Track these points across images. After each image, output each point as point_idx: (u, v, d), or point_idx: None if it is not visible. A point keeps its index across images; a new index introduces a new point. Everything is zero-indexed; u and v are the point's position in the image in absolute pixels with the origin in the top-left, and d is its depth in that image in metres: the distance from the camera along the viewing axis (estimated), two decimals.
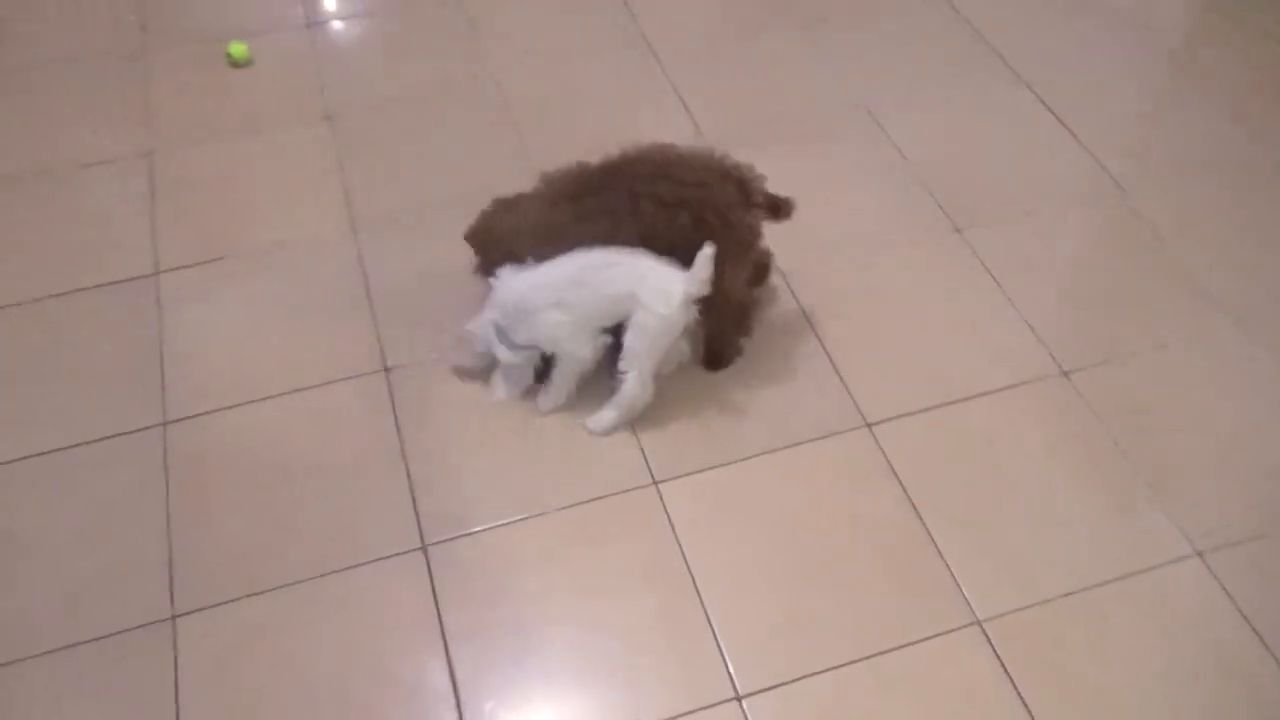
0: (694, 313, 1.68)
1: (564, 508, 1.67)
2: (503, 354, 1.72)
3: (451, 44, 2.46)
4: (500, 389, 1.78)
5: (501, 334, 1.72)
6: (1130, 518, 1.66)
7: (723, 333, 1.81)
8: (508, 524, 1.66)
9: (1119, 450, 1.73)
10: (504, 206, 1.81)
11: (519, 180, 2.08)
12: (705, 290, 1.63)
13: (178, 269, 2.00)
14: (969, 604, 1.56)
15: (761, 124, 2.26)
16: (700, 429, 1.76)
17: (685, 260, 1.63)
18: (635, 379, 1.69)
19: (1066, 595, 1.57)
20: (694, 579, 1.59)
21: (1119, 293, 1.96)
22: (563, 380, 1.75)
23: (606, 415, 1.75)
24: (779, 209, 1.73)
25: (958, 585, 1.58)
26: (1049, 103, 2.30)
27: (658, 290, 1.64)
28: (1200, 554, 1.62)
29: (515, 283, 1.70)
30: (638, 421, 1.77)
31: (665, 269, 1.66)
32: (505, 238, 1.75)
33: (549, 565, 1.61)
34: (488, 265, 1.78)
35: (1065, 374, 1.84)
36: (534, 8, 2.55)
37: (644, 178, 1.68)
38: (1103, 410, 1.78)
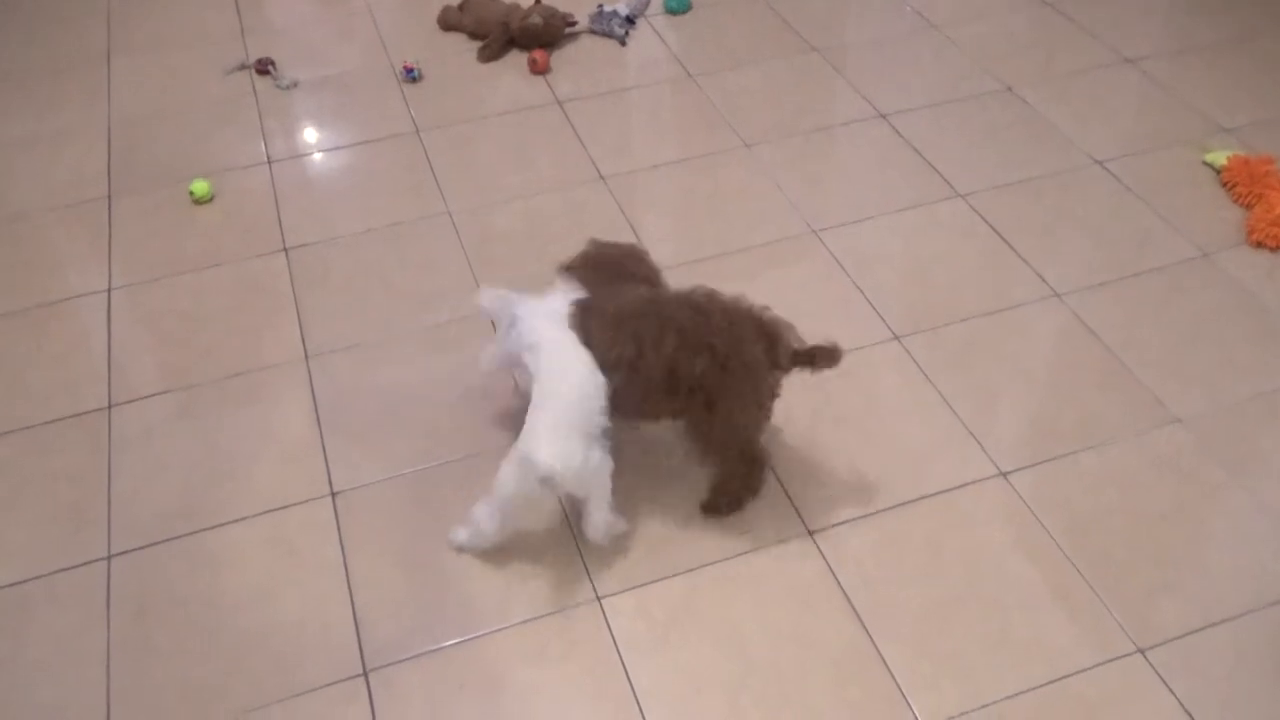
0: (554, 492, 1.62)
1: (505, 628, 1.67)
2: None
3: (409, 180, 2.55)
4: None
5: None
6: (1071, 615, 1.66)
7: (728, 483, 1.79)
8: (449, 646, 1.65)
9: (1059, 549, 1.74)
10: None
11: (473, 320, 2.15)
12: (557, 483, 1.58)
13: (131, 401, 2.03)
14: (914, 712, 1.55)
15: (707, 246, 2.33)
16: (644, 541, 1.77)
17: (705, 402, 1.66)
18: (485, 511, 1.70)
19: (1011, 696, 1.56)
20: (637, 699, 1.58)
21: (1057, 394, 2.00)
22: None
23: (460, 534, 1.76)
24: (816, 359, 1.68)
25: (904, 697, 1.57)
26: (984, 214, 2.38)
27: (531, 446, 1.59)
28: (1142, 651, 1.61)
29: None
30: (580, 533, 1.78)
31: (556, 429, 1.61)
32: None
33: (492, 688, 1.60)
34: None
35: (1004, 475, 1.86)
36: (490, 145, 2.65)
37: (677, 313, 1.66)
38: (1041, 510, 1.80)
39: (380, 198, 2.50)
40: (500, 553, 1.77)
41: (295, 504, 1.85)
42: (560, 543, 1.78)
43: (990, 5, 3.08)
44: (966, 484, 1.85)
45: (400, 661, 1.63)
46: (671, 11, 3.09)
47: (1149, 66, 2.82)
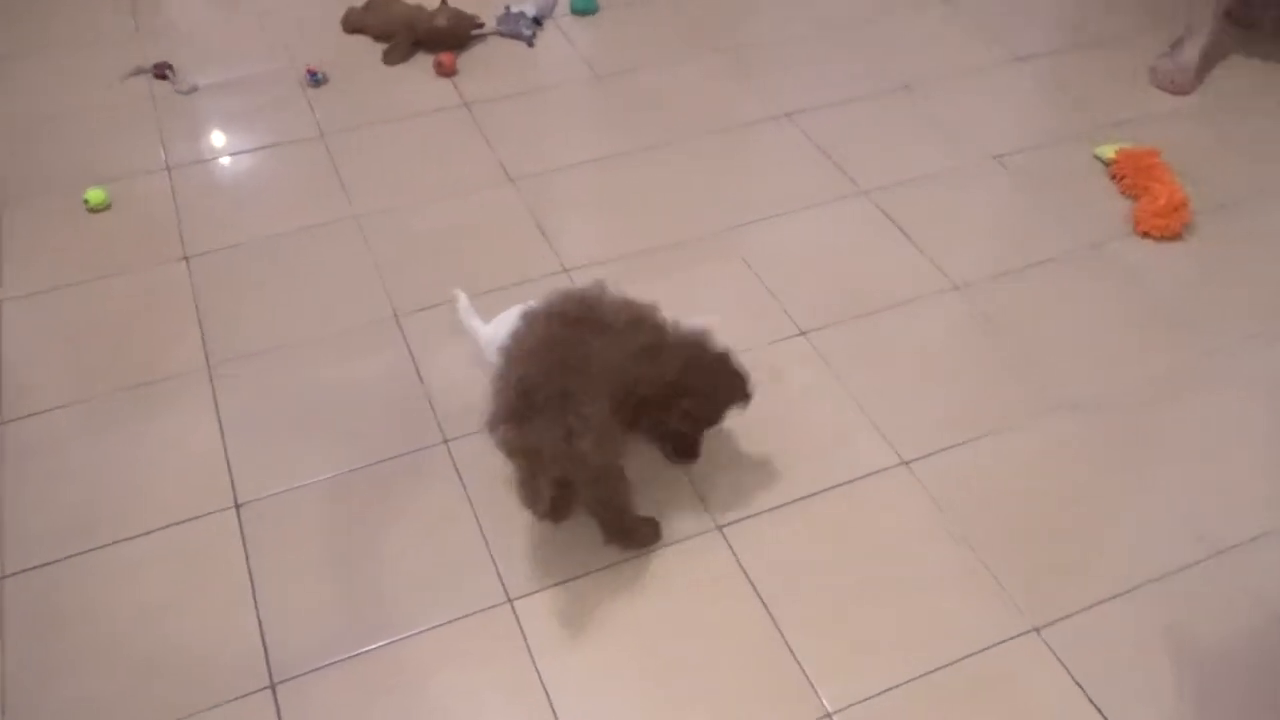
0: None
1: (416, 633, 1.66)
2: None
3: (314, 185, 2.52)
4: None
5: None
6: (971, 597, 1.71)
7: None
8: (358, 655, 1.64)
9: (959, 534, 1.79)
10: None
11: (381, 325, 2.13)
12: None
13: (26, 417, 1.98)
14: (820, 699, 1.58)
15: (617, 245, 2.35)
16: (553, 541, 1.78)
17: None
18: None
19: (914, 679, 1.61)
20: (550, 700, 1.59)
21: (958, 383, 2.05)
22: None
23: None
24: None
25: (811, 685, 1.60)
26: (886, 210, 2.43)
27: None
28: (1037, 629, 1.67)
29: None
30: (490, 535, 1.78)
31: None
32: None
33: (403, 695, 1.59)
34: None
35: (906, 464, 1.91)
36: (397, 149, 2.63)
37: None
38: (942, 496, 1.85)
39: (284, 203, 2.47)
40: (411, 557, 1.76)
41: (199, 516, 1.82)
42: (471, 545, 1.78)
43: (890, 5, 3.15)
44: (870, 474, 1.89)
45: (311, 672, 1.62)
46: (578, 13, 3.09)
47: (1041, 64, 2.91)
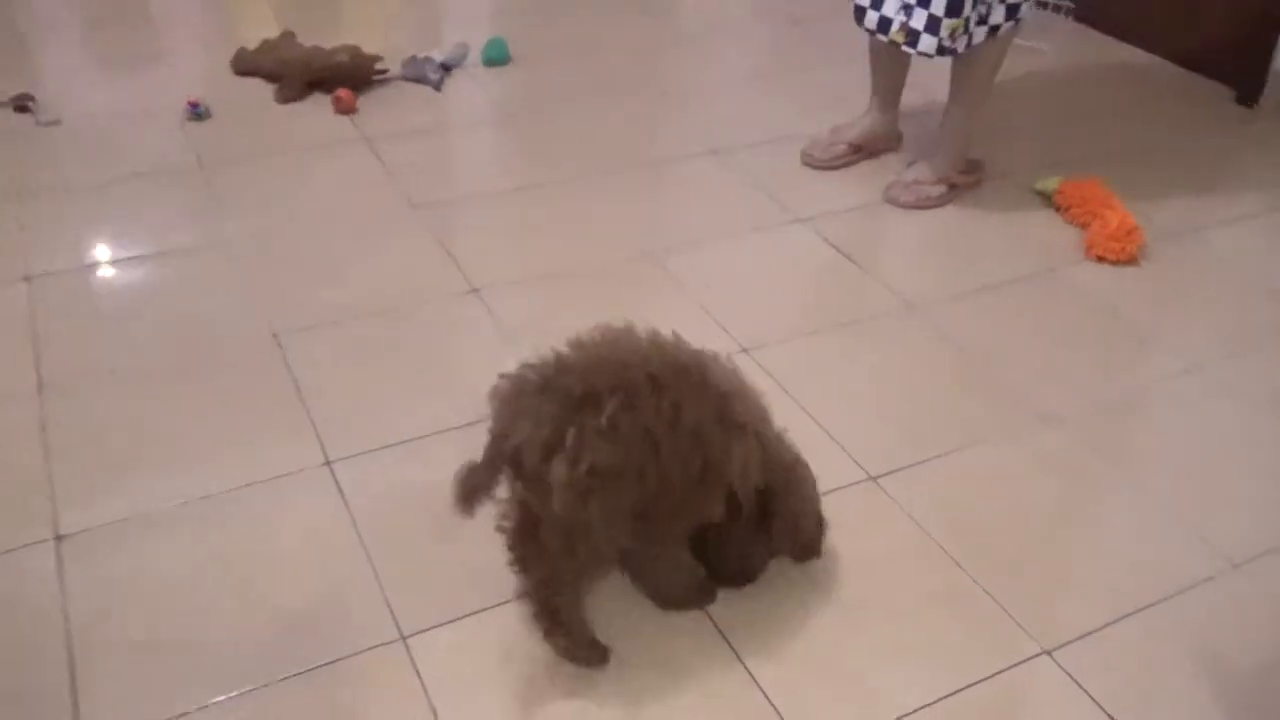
0: None
1: (291, 676, 1.30)
2: None
3: (185, 212, 2.23)
4: None
5: None
6: (967, 619, 1.43)
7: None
8: (225, 699, 1.27)
9: (944, 552, 1.52)
10: None
11: (258, 342, 1.82)
12: None
13: None
14: None
15: (537, 268, 2.09)
16: (454, 573, 1.45)
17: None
18: None
19: (912, 712, 1.30)
20: None
21: (919, 400, 1.82)
22: None
23: None
24: None
25: (776, 711, 1.29)
26: (826, 236, 2.24)
27: None
28: (1049, 652, 1.39)
29: None
30: (377, 558, 1.45)
31: None
32: None
33: None
34: None
35: (874, 479, 1.64)
36: (284, 178, 2.37)
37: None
38: (919, 512, 1.58)
39: (149, 228, 2.16)
40: (280, 597, 1.41)
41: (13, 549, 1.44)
42: (358, 576, 1.44)
43: (818, 59, 3.06)
44: (836, 489, 1.62)
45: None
46: (490, 64, 2.92)
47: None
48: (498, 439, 1.18)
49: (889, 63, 2.43)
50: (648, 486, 1.19)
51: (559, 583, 1.28)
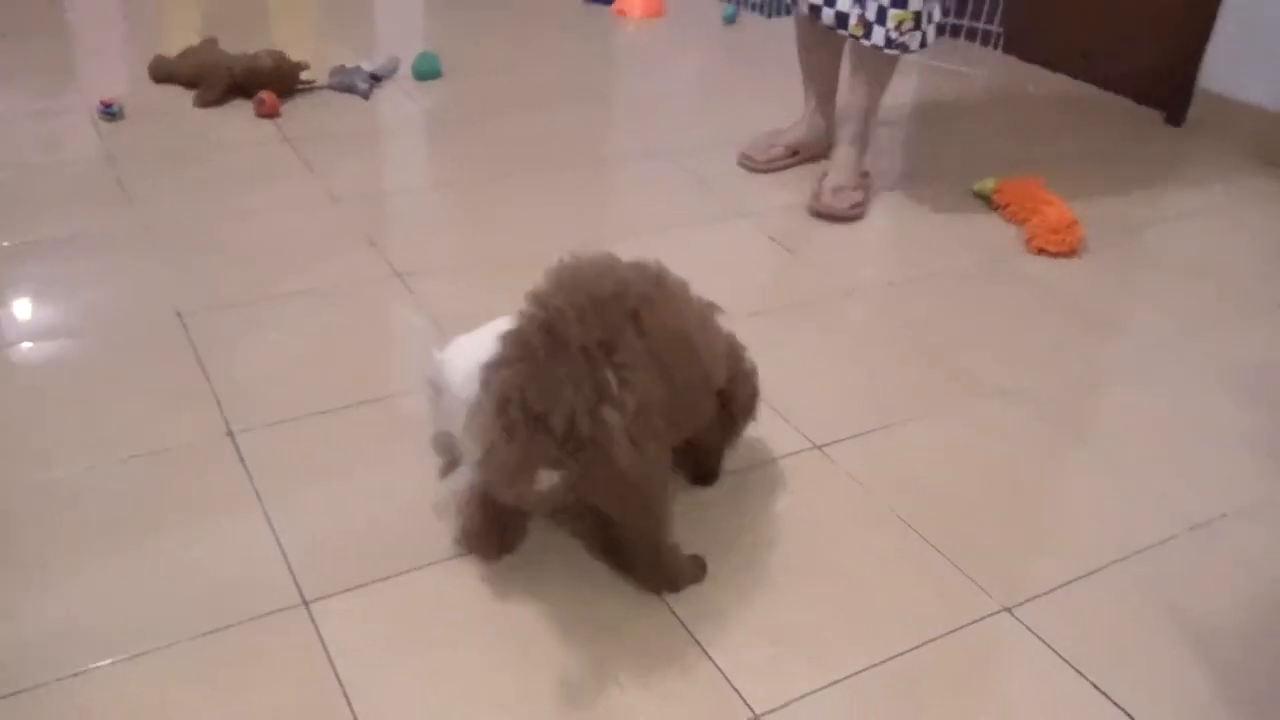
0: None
1: (188, 639, 1.16)
2: None
3: (97, 197, 2.10)
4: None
5: None
6: (925, 580, 1.33)
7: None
8: (114, 663, 1.12)
9: (897, 517, 1.43)
10: None
11: (167, 327, 1.70)
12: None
13: None
14: (744, 700, 1.14)
15: (472, 257, 2.00)
16: (359, 541, 1.32)
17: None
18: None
19: (870, 668, 1.19)
20: (354, 713, 1.10)
21: (865, 373, 1.75)
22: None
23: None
24: None
25: (730, 685, 1.16)
26: (769, 232, 2.18)
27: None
28: (1009, 609, 1.29)
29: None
30: (281, 530, 1.31)
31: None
32: None
33: (172, 713, 1.07)
34: None
35: (819, 447, 1.55)
36: (202, 173, 2.26)
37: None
38: (869, 479, 1.49)
39: (57, 211, 2.03)
40: (174, 552, 1.27)
41: None
42: (259, 543, 1.30)
43: (754, 69, 3.05)
44: (783, 456, 1.52)
45: (54, 681, 1.09)
46: (421, 77, 2.86)
47: (906, 125, 2.83)
48: (538, 418, 1.06)
49: (820, 66, 2.41)
50: (667, 408, 1.14)
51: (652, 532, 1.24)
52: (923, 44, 2.13)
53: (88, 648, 1.14)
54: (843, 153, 2.29)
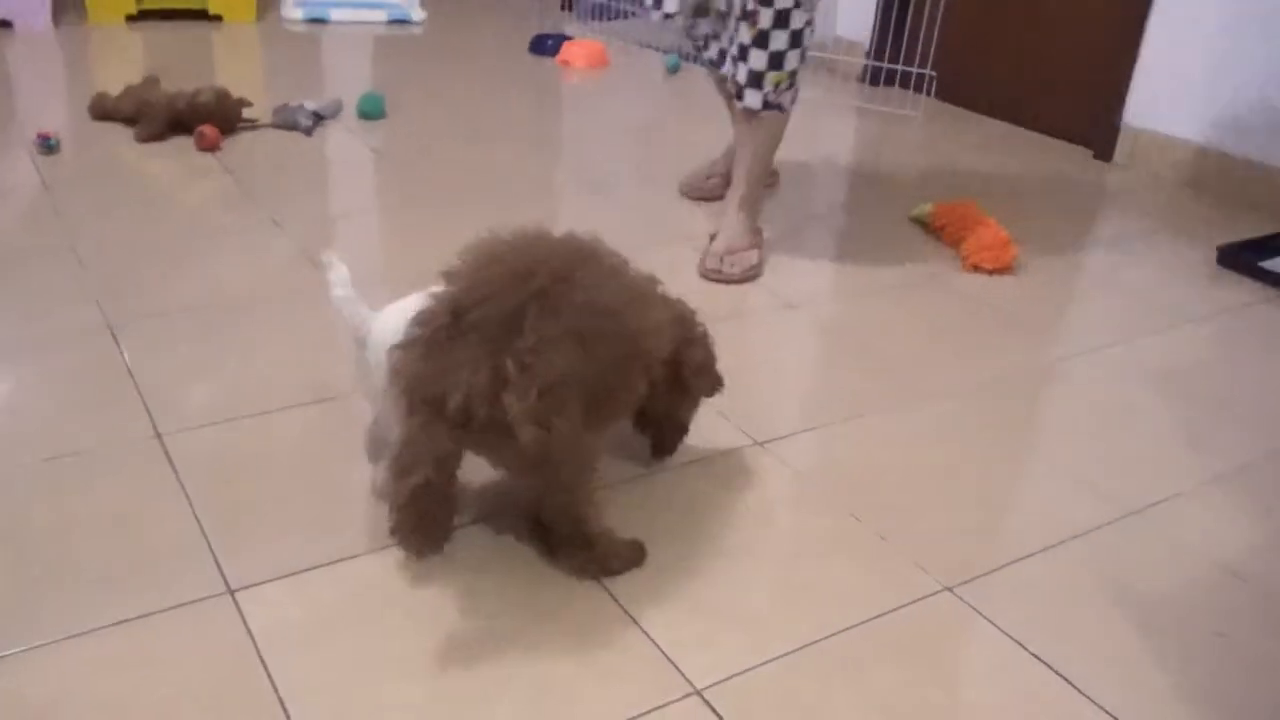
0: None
1: (108, 625, 1.11)
2: None
3: (28, 223, 2.07)
4: None
5: None
6: (862, 562, 1.32)
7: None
8: (27, 650, 1.07)
9: (833, 503, 1.42)
10: None
11: (92, 333, 1.66)
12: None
13: None
14: (683, 675, 1.12)
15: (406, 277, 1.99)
16: (284, 532, 1.28)
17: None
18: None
19: (806, 646, 1.17)
20: (285, 708, 1.05)
21: (801, 378, 1.75)
22: None
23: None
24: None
25: (669, 658, 1.14)
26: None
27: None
28: (950, 589, 1.29)
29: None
30: (205, 519, 1.28)
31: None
32: None
33: (97, 699, 1.02)
34: None
35: (760, 444, 1.55)
36: (138, 201, 2.24)
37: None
38: (809, 474, 1.49)
39: None
40: (97, 539, 1.22)
41: None
42: (184, 535, 1.26)
43: (694, 110, 3.11)
44: (719, 453, 1.52)
45: None
46: (365, 116, 2.88)
47: (845, 160, 2.90)
48: (434, 402, 1.06)
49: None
50: (588, 384, 1.12)
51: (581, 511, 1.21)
52: (793, 101, 2.09)
53: (4, 635, 1.10)
54: (732, 217, 2.16)
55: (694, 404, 1.44)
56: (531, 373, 1.06)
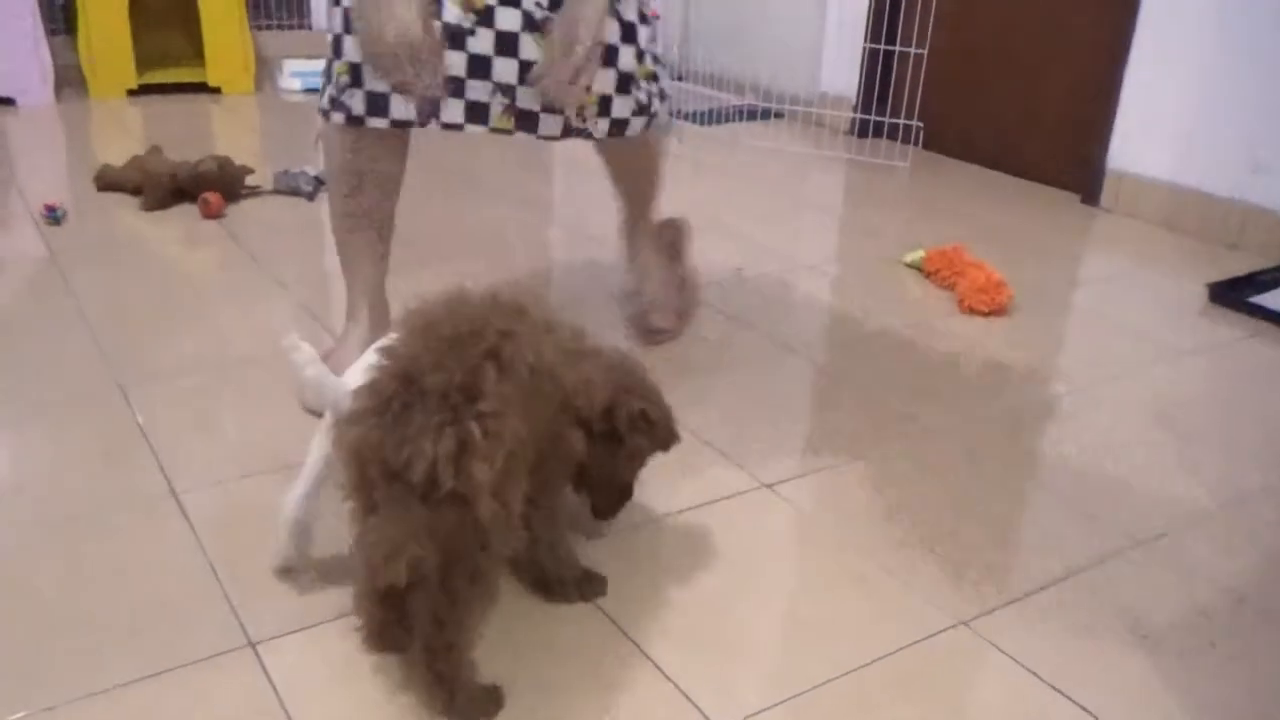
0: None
1: (129, 682, 1.12)
2: None
3: (34, 290, 2.10)
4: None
5: None
6: (870, 599, 1.33)
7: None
8: (47, 710, 1.07)
9: (841, 543, 1.44)
10: None
11: (102, 394, 1.69)
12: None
13: None
14: (701, 712, 1.13)
15: None
16: (303, 586, 1.30)
17: None
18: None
19: (820, 685, 1.18)
20: None
21: (801, 420, 1.78)
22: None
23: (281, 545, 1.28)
24: None
25: (686, 696, 1.15)
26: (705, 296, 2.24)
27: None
28: (966, 623, 1.30)
29: None
30: (223, 574, 1.29)
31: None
32: None
33: None
34: None
35: (769, 486, 1.57)
36: (144, 267, 2.28)
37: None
38: (816, 515, 1.51)
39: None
40: (116, 593, 1.23)
41: None
42: (204, 591, 1.27)
43: (690, 174, 3.17)
44: (728, 496, 1.54)
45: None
46: None
47: (836, 211, 2.95)
48: (391, 475, 0.99)
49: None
50: (531, 448, 1.08)
51: (453, 633, 1.07)
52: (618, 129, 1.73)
53: (36, 689, 1.10)
54: (655, 268, 2.03)
55: (636, 461, 1.32)
56: (498, 439, 1.00)
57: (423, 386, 1.00)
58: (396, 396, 1.00)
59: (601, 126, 1.70)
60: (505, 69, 1.59)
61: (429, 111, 1.61)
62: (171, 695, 1.12)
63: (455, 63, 1.57)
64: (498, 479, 1.00)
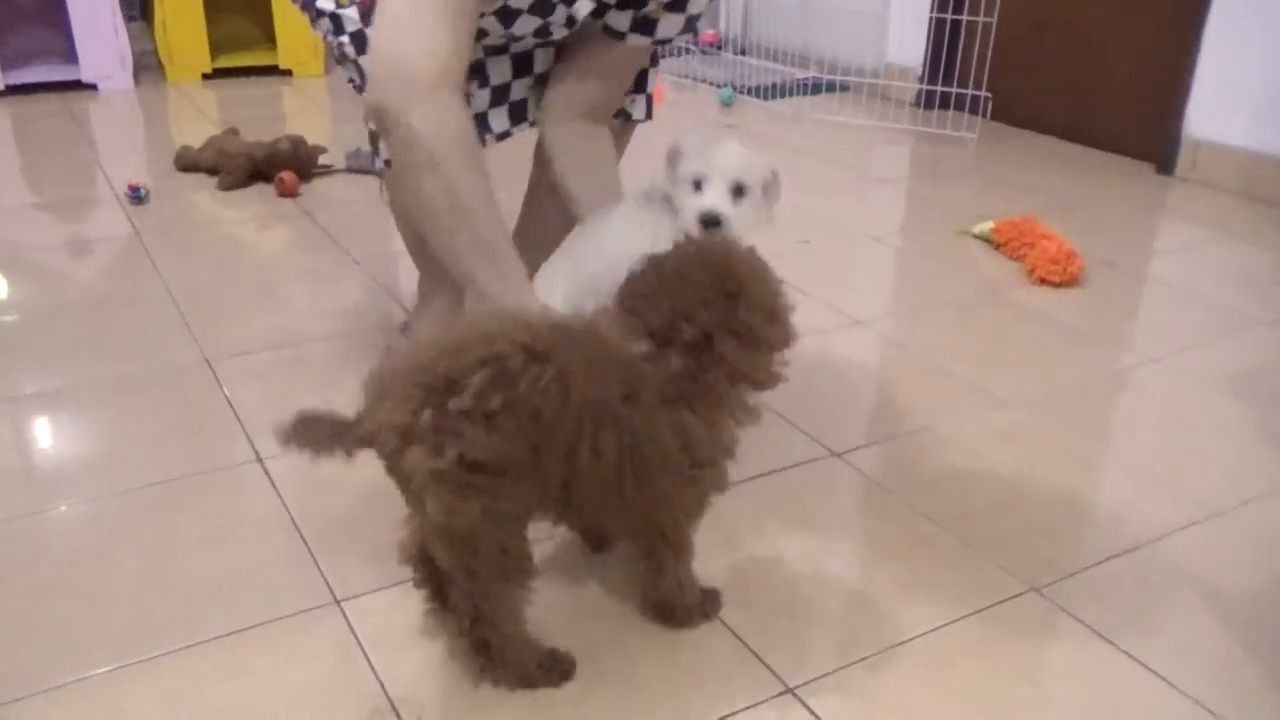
0: None
1: (219, 636, 1.17)
2: None
3: (122, 268, 2.19)
4: None
5: None
6: (944, 563, 1.34)
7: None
8: (144, 661, 1.13)
9: (913, 509, 1.45)
10: None
11: (193, 368, 1.75)
12: None
13: None
14: (779, 678, 1.15)
15: None
16: (384, 548, 1.34)
17: None
18: None
19: (896, 645, 1.19)
20: (395, 708, 1.10)
21: (875, 391, 1.78)
22: None
23: None
24: None
25: (758, 657, 1.17)
26: None
27: None
28: (1037, 589, 1.30)
29: None
30: (309, 535, 1.34)
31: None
32: None
33: (209, 707, 1.08)
34: None
35: (839, 455, 1.58)
36: (224, 245, 2.35)
37: None
38: (887, 481, 1.52)
39: (87, 281, 2.11)
40: (207, 565, 1.29)
41: None
42: (291, 550, 1.33)
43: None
44: (798, 464, 1.55)
45: (37, 694, 1.09)
46: None
47: (901, 183, 2.93)
48: (354, 422, 1.02)
49: None
50: (551, 480, 1.01)
51: (476, 606, 1.06)
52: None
53: (131, 642, 1.16)
54: None
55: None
56: (452, 435, 0.96)
57: (417, 361, 1.01)
58: (396, 365, 1.02)
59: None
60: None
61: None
62: (263, 649, 1.17)
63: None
64: (460, 483, 0.96)
